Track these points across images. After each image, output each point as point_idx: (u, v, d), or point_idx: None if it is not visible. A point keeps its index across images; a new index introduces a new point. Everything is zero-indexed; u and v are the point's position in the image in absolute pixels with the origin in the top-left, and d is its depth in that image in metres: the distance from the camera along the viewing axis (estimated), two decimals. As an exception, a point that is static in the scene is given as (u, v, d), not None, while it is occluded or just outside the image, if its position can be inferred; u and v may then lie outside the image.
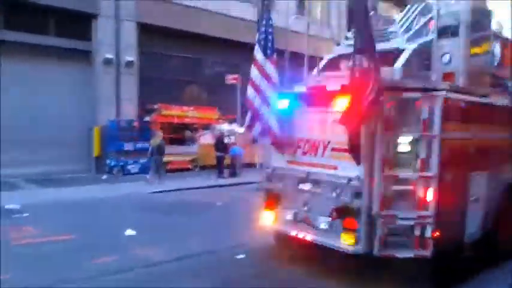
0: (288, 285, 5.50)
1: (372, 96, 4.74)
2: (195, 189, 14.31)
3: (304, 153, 5.77)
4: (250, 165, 20.52)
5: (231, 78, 17.94)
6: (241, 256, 6.52)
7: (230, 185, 15.66)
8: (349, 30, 5.70)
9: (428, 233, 4.79)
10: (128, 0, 17.60)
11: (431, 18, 6.07)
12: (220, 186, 15.40)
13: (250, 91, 6.18)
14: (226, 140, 18.86)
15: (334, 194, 5.30)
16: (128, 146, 17.18)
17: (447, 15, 5.59)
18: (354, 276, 5.48)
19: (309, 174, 5.66)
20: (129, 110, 18.37)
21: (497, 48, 6.33)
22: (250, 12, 23.19)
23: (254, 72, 6.16)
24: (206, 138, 20.59)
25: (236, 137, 19.34)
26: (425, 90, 4.98)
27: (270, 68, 6.10)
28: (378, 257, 4.89)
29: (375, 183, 4.90)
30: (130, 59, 17.86)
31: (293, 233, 5.78)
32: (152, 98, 18.38)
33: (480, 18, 5.72)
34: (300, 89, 5.88)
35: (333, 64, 6.67)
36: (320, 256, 5.81)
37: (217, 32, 20.12)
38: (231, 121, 21.32)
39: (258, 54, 6.14)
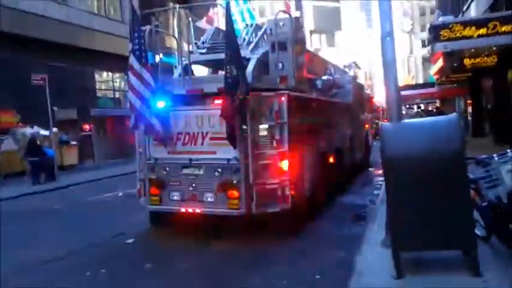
0: (177, 256, 6.55)
1: (241, 95, 6.39)
2: (23, 196, 13.60)
3: (185, 144, 7.05)
4: (61, 168, 19.97)
5: (37, 79, 16.99)
6: (131, 240, 7.38)
7: (58, 188, 15.25)
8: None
9: (287, 192, 6.72)
10: None
11: (263, 35, 8.10)
12: (51, 190, 14.87)
13: (131, 96, 7.06)
14: (39, 143, 17.89)
15: (216, 173, 6.78)
16: None
17: (278, 33, 7.58)
18: (231, 237, 7.06)
19: (191, 160, 6.98)
20: None
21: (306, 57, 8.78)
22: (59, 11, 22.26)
23: (132, 79, 7.05)
24: (8, 144, 19.03)
25: (48, 139, 18.49)
26: (274, 90, 6.90)
27: (147, 75, 7.07)
28: (256, 214, 6.61)
29: (249, 160, 6.59)
30: None
31: (182, 209, 7.02)
32: None
33: (299, 37, 7.96)
34: (180, 91, 7.09)
35: (189, 68, 8.04)
36: (196, 227, 7.24)
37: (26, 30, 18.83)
38: (33, 124, 20.11)
39: (134, 63, 7.04)
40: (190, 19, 8.75)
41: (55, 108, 19.43)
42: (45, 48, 21.32)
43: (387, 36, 5.59)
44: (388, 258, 4.64)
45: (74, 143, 23.00)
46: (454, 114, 4.53)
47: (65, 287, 5.51)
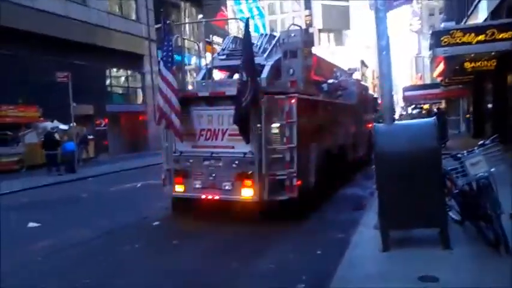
0: (200, 236, 7.54)
1: (254, 98, 7.39)
2: (45, 186, 14.65)
3: (207, 139, 8.08)
4: (84, 161, 21.11)
5: (61, 76, 18.14)
6: (157, 223, 8.44)
7: (78, 179, 16.32)
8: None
9: (294, 182, 7.71)
10: None
11: (276, 44, 9.12)
12: (73, 181, 15.92)
13: (158, 98, 8.10)
14: (57, 137, 18.94)
15: (234, 165, 7.81)
16: None
17: (290, 43, 8.61)
18: (245, 221, 8.07)
19: (212, 153, 8.01)
20: None
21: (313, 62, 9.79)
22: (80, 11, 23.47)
23: (160, 82, 8.10)
24: (31, 137, 20.17)
25: (69, 133, 19.60)
26: (286, 93, 7.90)
27: (171, 77, 8.10)
28: (267, 201, 7.63)
29: (262, 154, 7.60)
30: None
31: (203, 196, 8.06)
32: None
33: (308, 45, 8.97)
34: (204, 93, 8.13)
35: (211, 72, 9.08)
36: (214, 212, 8.26)
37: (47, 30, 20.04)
38: (53, 118, 21.25)
39: (163, 68, 8.08)
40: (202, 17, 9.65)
41: (74, 104, 20.57)
42: (65, 46, 22.50)
43: (383, 50, 6.57)
44: (379, 237, 5.62)
45: (91, 137, 24.15)
46: (433, 118, 5.56)
47: (111, 258, 6.57)
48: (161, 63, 8.09)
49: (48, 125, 20.64)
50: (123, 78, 31.21)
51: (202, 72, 9.04)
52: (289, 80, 8.58)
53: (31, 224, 8.79)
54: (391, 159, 5.28)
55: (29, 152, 19.61)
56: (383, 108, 6.61)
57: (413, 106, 40.31)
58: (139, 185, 13.98)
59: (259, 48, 9.16)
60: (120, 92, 30.88)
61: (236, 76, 9.04)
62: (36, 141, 19.63)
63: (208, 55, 10.07)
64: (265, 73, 8.44)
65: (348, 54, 71.13)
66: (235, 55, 9.09)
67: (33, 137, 20.24)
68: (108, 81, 28.84)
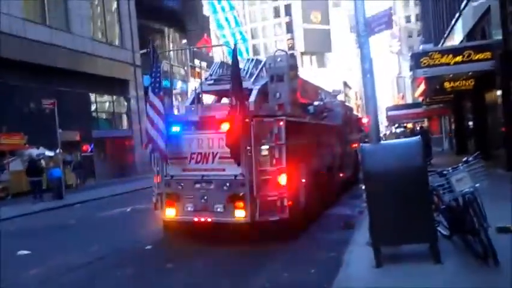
0: (193, 257, 7.58)
1: (243, 121, 7.56)
2: (34, 213, 14.49)
3: (197, 162, 8.18)
4: (69, 187, 20.86)
5: (47, 103, 18.12)
6: (149, 247, 8.43)
7: (65, 205, 16.15)
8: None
9: (285, 203, 7.83)
10: None
11: (262, 68, 9.36)
12: (56, 208, 15.74)
13: (147, 123, 8.24)
14: (42, 164, 18.85)
15: (225, 187, 7.90)
16: None
17: (276, 67, 8.86)
18: (237, 242, 8.12)
19: (203, 176, 8.10)
20: None
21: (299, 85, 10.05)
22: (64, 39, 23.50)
23: (148, 107, 8.25)
24: (16, 165, 20.00)
25: (55, 160, 19.46)
26: (274, 116, 8.09)
27: (159, 103, 8.23)
28: (258, 222, 7.71)
29: (253, 176, 7.72)
30: None
31: (195, 219, 8.11)
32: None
33: (293, 69, 9.23)
34: (193, 117, 8.27)
35: (200, 97, 9.24)
36: (206, 235, 8.28)
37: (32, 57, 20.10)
38: (38, 145, 21.13)
39: (150, 94, 8.23)
40: (189, 46, 9.93)
41: (60, 130, 20.47)
42: (50, 73, 22.55)
43: (367, 73, 6.83)
44: (371, 254, 5.74)
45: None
46: (418, 137, 5.82)
47: (104, 284, 6.55)
48: (149, 89, 8.24)
49: (34, 152, 20.54)
50: (108, 104, 31.24)
51: (191, 97, 9.22)
52: (276, 103, 8.79)
53: (21, 252, 8.70)
54: (379, 178, 5.45)
55: (14, 180, 19.48)
56: (369, 128, 6.83)
57: (397, 125, 41.12)
58: (129, 209, 13.93)
59: (246, 72, 9.39)
60: (106, 117, 30.88)
61: (224, 100, 9.22)
62: (21, 169, 19.46)
63: (193, 79, 10.25)
64: (253, 97, 8.64)
65: (331, 76, 72.38)
66: (223, 80, 9.30)
67: (18, 164, 20.07)
68: (93, 107, 28.84)
